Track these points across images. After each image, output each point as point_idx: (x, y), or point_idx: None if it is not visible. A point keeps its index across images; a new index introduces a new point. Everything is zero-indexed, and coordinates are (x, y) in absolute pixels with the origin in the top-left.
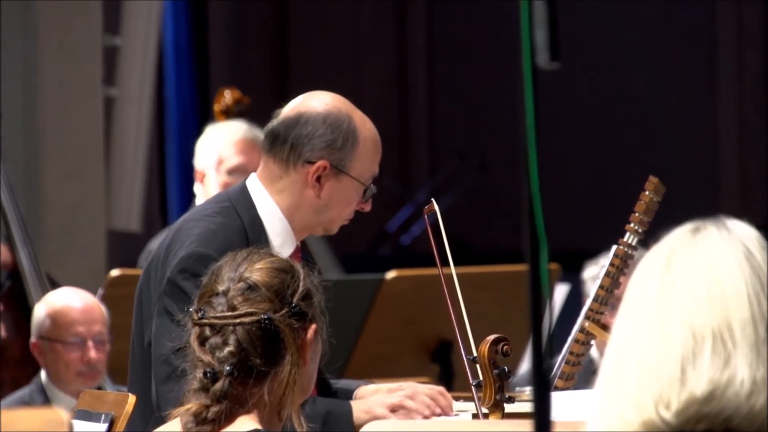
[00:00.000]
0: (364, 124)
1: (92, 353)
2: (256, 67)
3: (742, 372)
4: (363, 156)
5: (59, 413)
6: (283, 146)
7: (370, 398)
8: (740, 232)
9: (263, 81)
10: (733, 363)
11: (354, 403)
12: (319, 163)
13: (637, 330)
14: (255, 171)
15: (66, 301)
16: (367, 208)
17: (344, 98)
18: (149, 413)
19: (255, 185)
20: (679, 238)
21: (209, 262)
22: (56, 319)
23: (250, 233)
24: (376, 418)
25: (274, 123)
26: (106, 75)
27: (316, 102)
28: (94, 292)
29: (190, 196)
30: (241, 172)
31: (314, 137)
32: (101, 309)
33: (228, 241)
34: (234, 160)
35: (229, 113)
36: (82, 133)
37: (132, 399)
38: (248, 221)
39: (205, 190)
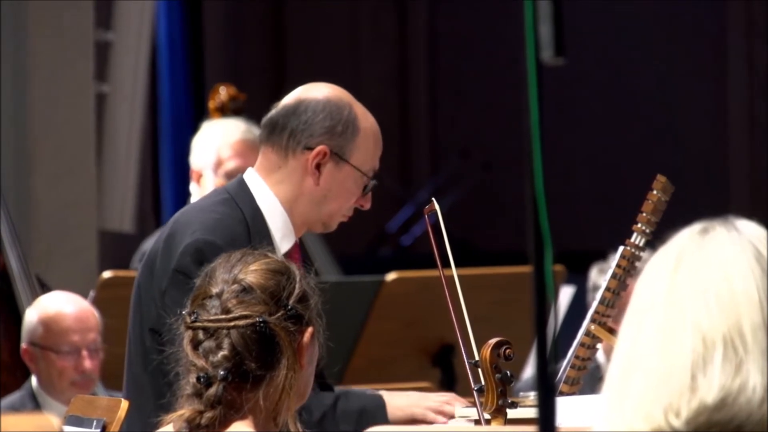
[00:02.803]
0: (365, 116)
1: (87, 363)
2: (252, 63)
3: (754, 378)
4: (363, 146)
5: (50, 419)
6: (282, 134)
7: (408, 397)
8: (750, 232)
9: (259, 77)
10: (745, 369)
11: (388, 399)
12: (319, 148)
13: (644, 335)
14: None
15: (59, 307)
16: (367, 205)
17: (346, 91)
18: (148, 413)
19: (253, 178)
20: (687, 240)
21: (215, 250)
22: (49, 326)
23: (251, 225)
24: (412, 416)
25: (272, 112)
26: (98, 71)
27: (316, 91)
28: (85, 294)
29: (184, 196)
30: (239, 175)
31: (314, 123)
32: (95, 315)
33: (232, 231)
34: (232, 163)
35: (224, 110)
36: (73, 131)
37: (125, 404)
38: (249, 213)
39: (201, 191)
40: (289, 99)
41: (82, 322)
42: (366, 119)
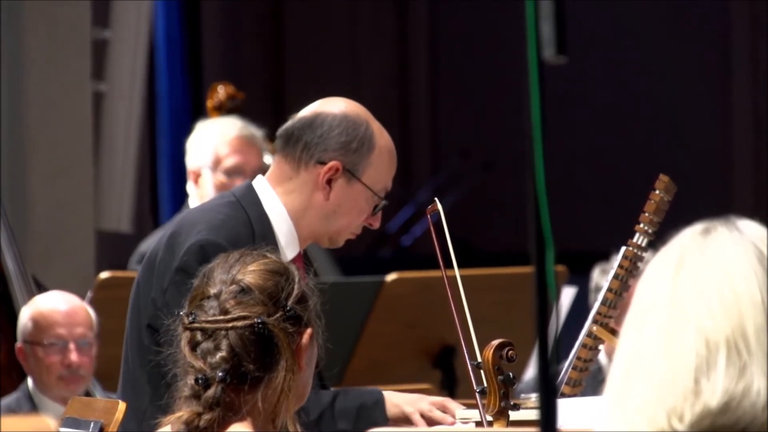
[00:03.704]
0: (382, 134)
1: (73, 356)
2: (250, 62)
3: (758, 382)
4: (377, 164)
5: (47, 421)
6: (296, 146)
7: (404, 395)
8: (752, 233)
9: (258, 75)
10: (749, 372)
11: (387, 394)
12: (332, 163)
13: (647, 337)
14: (252, 169)
15: (51, 304)
16: (376, 224)
17: (364, 107)
18: (143, 411)
19: (262, 185)
20: (689, 241)
21: (219, 250)
22: (38, 322)
23: (256, 227)
24: (403, 413)
25: (288, 123)
26: (95, 69)
27: (333, 105)
28: (82, 294)
29: (182, 195)
30: (238, 172)
31: (329, 138)
32: (87, 312)
33: (236, 232)
34: (231, 160)
35: (222, 109)
36: (70, 130)
37: (122, 406)
38: (255, 216)
39: (199, 192)
40: (306, 111)
41: (70, 317)
42: (382, 137)
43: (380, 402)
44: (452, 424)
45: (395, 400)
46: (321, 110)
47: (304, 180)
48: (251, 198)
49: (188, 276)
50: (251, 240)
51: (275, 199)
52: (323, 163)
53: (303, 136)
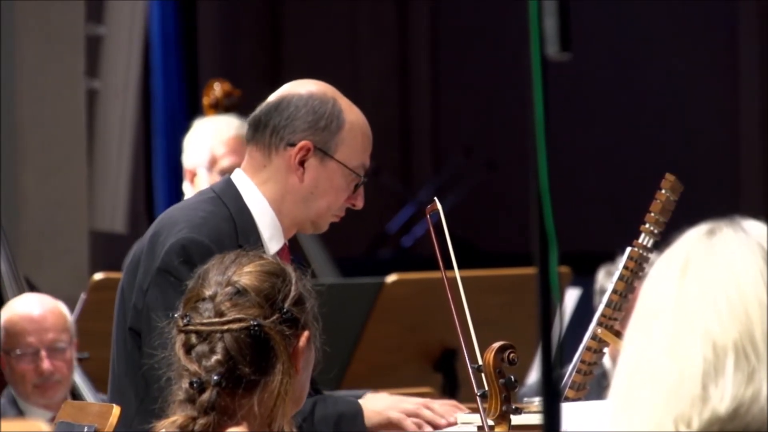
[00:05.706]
0: (351, 109)
1: (45, 364)
2: (247, 58)
3: (766, 387)
4: (349, 141)
5: (41, 425)
6: (265, 131)
7: (384, 400)
8: (757, 233)
9: (255, 72)
10: (758, 378)
11: (365, 403)
12: (301, 144)
13: (653, 341)
14: None
15: (21, 310)
16: (359, 204)
17: (332, 86)
18: (130, 416)
19: (241, 178)
20: (695, 242)
21: (201, 248)
22: (8, 329)
23: (238, 222)
24: (388, 420)
25: (256, 111)
26: (88, 66)
27: (300, 87)
28: (76, 296)
29: (178, 195)
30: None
31: (296, 118)
32: (59, 314)
33: (218, 228)
34: (227, 160)
35: (219, 107)
36: (64, 128)
37: (116, 410)
38: (236, 210)
39: (195, 191)
40: (273, 96)
41: (37, 323)
42: (351, 112)
43: (359, 413)
44: (448, 424)
45: (377, 407)
46: (287, 93)
47: (277, 166)
48: (231, 192)
49: (170, 275)
50: (234, 235)
51: (255, 191)
52: (293, 145)
53: (270, 121)
